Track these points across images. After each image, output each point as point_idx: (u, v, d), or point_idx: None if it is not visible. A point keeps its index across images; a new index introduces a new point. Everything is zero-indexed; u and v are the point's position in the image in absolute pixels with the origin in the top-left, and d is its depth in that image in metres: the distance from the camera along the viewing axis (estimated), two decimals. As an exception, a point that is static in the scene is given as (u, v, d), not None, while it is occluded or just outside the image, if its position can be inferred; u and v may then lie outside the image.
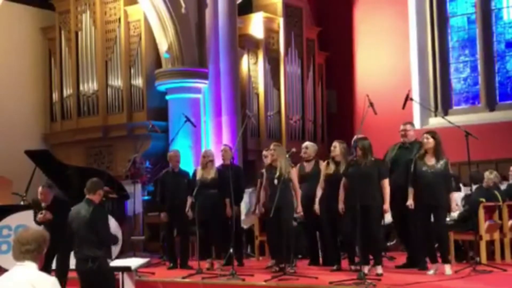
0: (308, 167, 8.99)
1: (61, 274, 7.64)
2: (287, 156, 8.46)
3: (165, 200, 9.58)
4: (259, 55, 14.81)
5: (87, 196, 6.95)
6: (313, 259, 9.28)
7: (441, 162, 7.72)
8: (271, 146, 8.69)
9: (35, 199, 8.38)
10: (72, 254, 7.48)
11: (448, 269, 7.67)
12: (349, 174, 7.88)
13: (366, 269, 7.53)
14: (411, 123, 8.85)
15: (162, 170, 10.19)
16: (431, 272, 7.72)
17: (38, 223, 8.05)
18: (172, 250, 9.76)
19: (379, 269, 7.76)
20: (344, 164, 8.29)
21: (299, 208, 8.43)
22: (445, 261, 7.77)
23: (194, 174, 9.38)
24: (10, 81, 14.00)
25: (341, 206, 7.97)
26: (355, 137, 8.12)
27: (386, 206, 7.77)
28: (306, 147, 9.08)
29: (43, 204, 8.09)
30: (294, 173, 8.44)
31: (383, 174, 7.82)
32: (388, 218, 8.94)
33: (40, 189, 8.17)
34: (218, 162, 9.77)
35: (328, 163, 8.54)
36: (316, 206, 8.48)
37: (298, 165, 9.05)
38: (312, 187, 8.74)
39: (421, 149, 7.92)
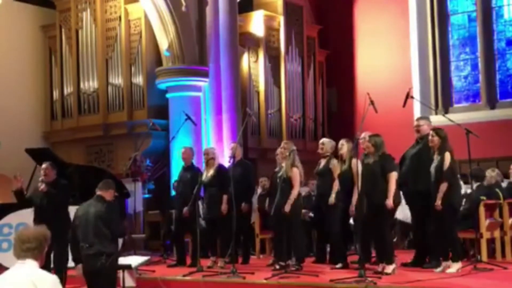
0: (322, 163, 8.94)
1: (60, 268, 7.56)
2: (287, 154, 8.41)
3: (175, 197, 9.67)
4: (260, 53, 14.81)
5: (98, 193, 6.83)
6: (319, 257, 9.26)
7: (440, 157, 7.68)
8: (282, 144, 8.68)
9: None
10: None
11: (455, 267, 7.61)
12: (361, 173, 7.81)
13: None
14: (424, 118, 8.77)
15: (162, 169, 10.22)
16: (439, 269, 7.68)
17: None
18: (179, 247, 9.74)
19: (389, 269, 7.60)
20: (349, 162, 8.30)
21: (287, 207, 8.16)
22: (454, 259, 7.71)
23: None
24: (10, 79, 14.00)
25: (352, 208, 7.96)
26: (363, 134, 8.07)
27: (389, 201, 7.56)
28: (323, 143, 9.00)
29: (41, 178, 8.02)
30: (295, 172, 8.32)
31: (388, 168, 7.68)
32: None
33: (44, 165, 8.11)
34: (221, 160, 9.79)
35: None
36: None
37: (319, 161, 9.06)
38: (322, 184, 8.75)
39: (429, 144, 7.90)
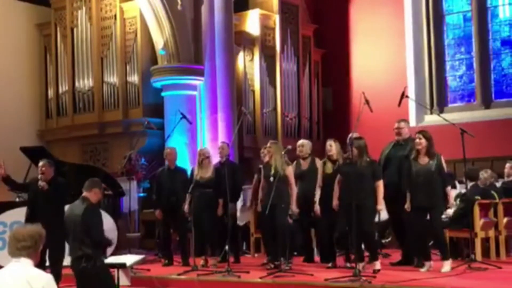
0: (304, 164, 9.00)
1: (55, 265, 7.55)
2: (282, 153, 8.44)
3: (161, 198, 9.58)
4: (255, 52, 14.79)
5: (83, 194, 6.87)
6: (307, 256, 9.30)
7: (434, 160, 7.74)
8: (268, 144, 8.72)
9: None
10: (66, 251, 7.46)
11: (447, 266, 7.69)
12: (345, 173, 7.92)
13: (360, 266, 7.54)
14: (405, 121, 8.87)
15: (158, 167, 10.20)
16: (423, 269, 7.75)
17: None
18: (167, 247, 9.76)
19: (377, 265, 7.80)
20: (341, 162, 8.33)
21: (294, 206, 8.41)
22: (444, 258, 7.79)
23: (192, 173, 9.40)
24: (5, 77, 13.96)
25: (335, 203, 8.01)
26: (350, 134, 8.14)
27: (379, 206, 7.84)
28: (302, 145, 9.10)
29: (39, 176, 7.97)
30: (290, 171, 8.44)
31: (377, 175, 7.86)
32: (384, 215, 8.95)
33: (41, 163, 8.05)
34: (215, 159, 9.77)
35: (325, 163, 8.57)
36: (317, 207, 8.49)
37: (295, 162, 9.06)
38: (308, 184, 8.75)
39: (414, 147, 7.95)
